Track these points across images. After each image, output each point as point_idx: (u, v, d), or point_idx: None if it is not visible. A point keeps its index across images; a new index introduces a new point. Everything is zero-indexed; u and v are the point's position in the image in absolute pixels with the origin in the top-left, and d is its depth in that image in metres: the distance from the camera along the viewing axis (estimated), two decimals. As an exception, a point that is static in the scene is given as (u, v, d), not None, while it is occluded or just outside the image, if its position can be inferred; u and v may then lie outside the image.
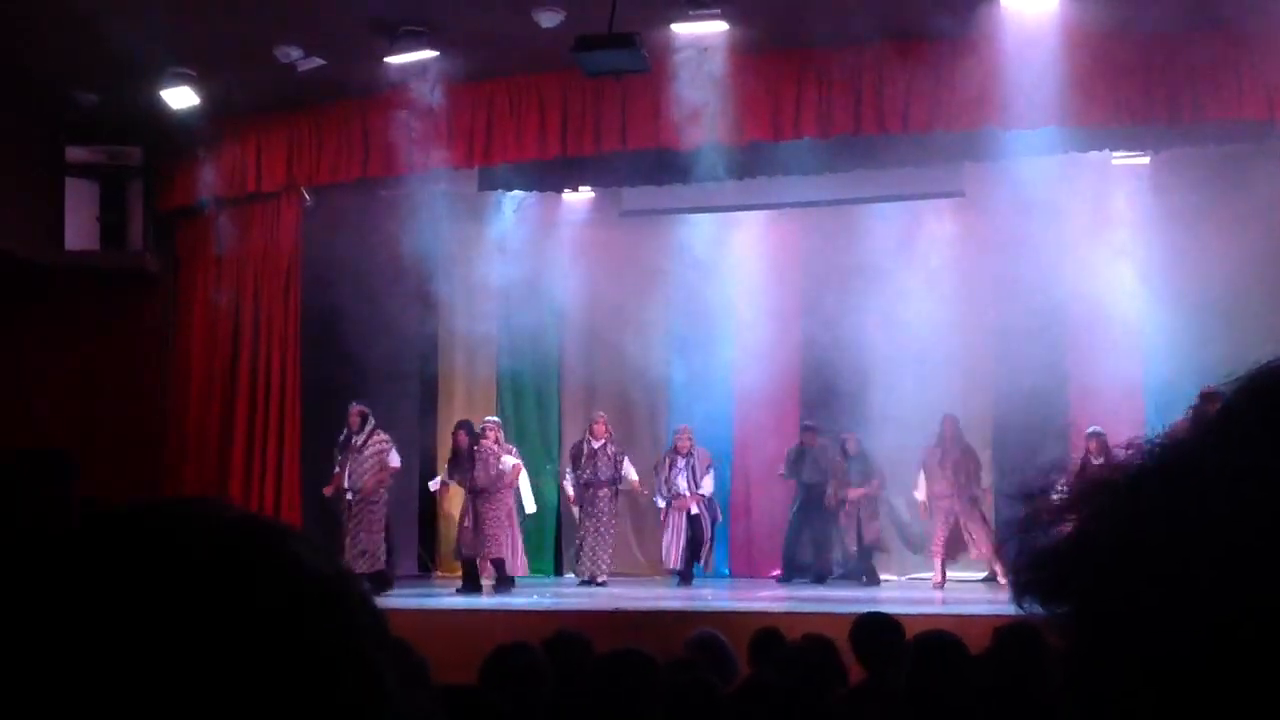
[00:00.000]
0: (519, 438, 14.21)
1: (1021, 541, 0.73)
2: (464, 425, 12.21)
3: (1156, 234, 12.45)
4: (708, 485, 12.88)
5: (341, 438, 11.73)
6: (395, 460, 11.75)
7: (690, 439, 12.91)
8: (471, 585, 11.63)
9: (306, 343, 12.01)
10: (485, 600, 11.16)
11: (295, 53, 10.43)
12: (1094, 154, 11.73)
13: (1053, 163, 11.62)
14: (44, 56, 10.57)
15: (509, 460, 11.98)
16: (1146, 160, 12.43)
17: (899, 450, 12.66)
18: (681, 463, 12.82)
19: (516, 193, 13.37)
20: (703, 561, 12.83)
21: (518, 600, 10.98)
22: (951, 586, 12.08)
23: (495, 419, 12.58)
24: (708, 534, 12.83)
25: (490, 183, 12.63)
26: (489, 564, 11.77)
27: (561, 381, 14.53)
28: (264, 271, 12.13)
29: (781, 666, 5.20)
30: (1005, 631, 4.47)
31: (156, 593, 0.69)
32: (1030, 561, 0.72)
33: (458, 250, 14.14)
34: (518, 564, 12.06)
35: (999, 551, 11.48)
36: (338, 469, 11.69)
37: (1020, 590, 0.72)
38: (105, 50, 9.96)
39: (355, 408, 11.77)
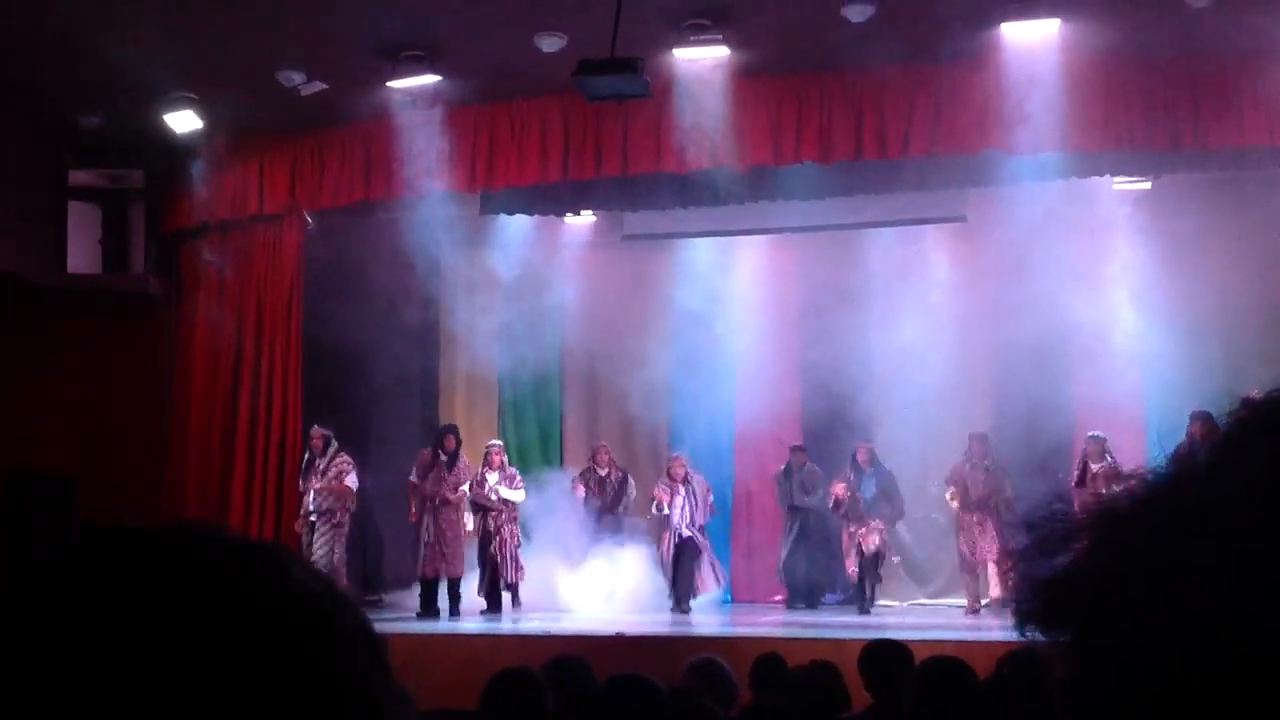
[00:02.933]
0: (521, 461, 14.20)
1: (1024, 569, 0.73)
2: (453, 429, 12.35)
3: (1158, 259, 12.46)
4: (703, 514, 12.56)
5: (304, 462, 11.57)
6: (353, 481, 11.56)
7: (685, 466, 12.57)
8: (432, 608, 11.57)
9: (307, 364, 12.02)
10: (485, 625, 11.12)
11: (298, 76, 10.48)
12: (1095, 179, 11.75)
13: (1054, 187, 11.65)
14: (47, 80, 10.62)
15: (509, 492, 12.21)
16: (1148, 185, 12.44)
17: (900, 473, 12.64)
18: (682, 490, 12.45)
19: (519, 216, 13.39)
20: (699, 583, 12.37)
21: (518, 625, 10.95)
22: (946, 612, 12.06)
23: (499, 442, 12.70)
24: (703, 556, 12.43)
25: (492, 206, 12.65)
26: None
27: (563, 404, 14.53)
28: (266, 294, 12.14)
29: (785, 692, 5.18)
30: (1009, 658, 4.46)
31: (153, 615, 0.69)
32: (1032, 589, 0.72)
33: (460, 273, 14.18)
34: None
35: (1003, 578, 11.51)
36: (301, 492, 11.54)
37: (1022, 617, 0.73)
38: (108, 74, 10.02)
39: (318, 431, 11.59)
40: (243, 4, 9.32)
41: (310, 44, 10.01)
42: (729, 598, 13.46)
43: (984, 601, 11.99)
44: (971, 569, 12.08)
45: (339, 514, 11.46)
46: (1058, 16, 9.48)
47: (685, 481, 12.50)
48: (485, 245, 13.93)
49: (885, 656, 5.32)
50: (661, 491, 12.49)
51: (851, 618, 11.50)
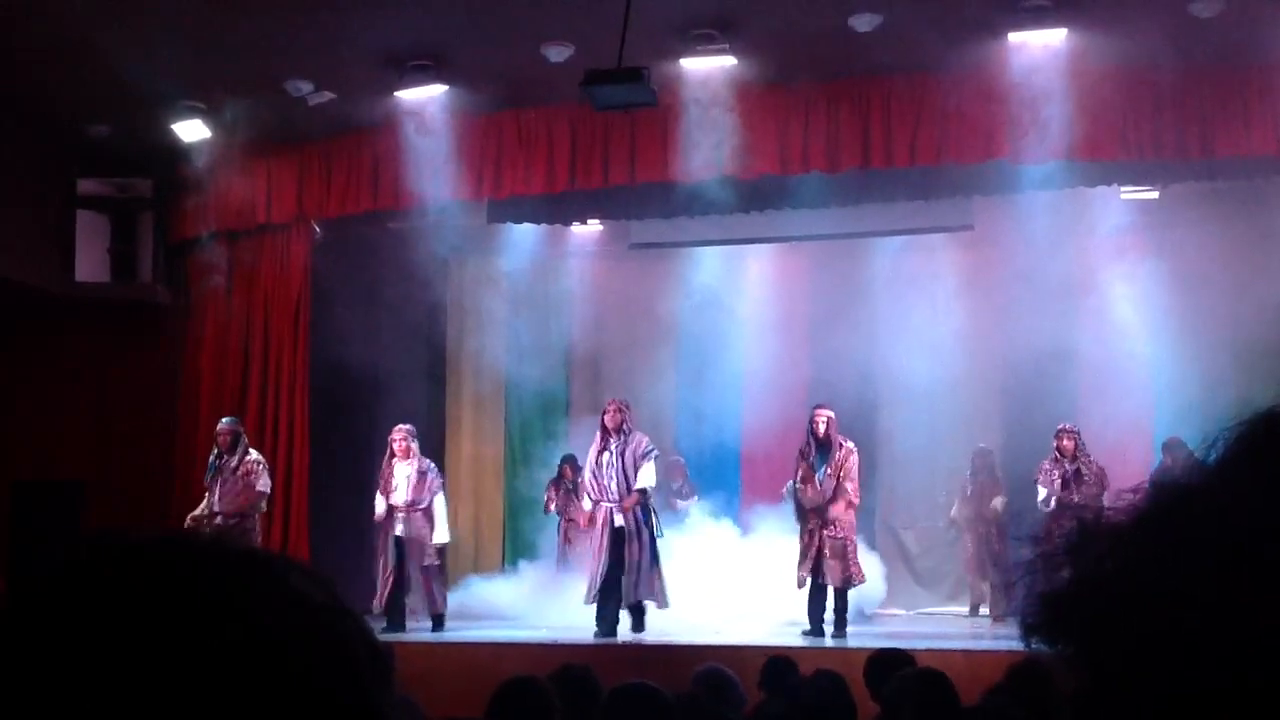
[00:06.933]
0: (528, 468, 14.19)
1: (1030, 582, 0.73)
2: (569, 459, 12.42)
3: (1166, 268, 12.44)
4: (646, 476, 10.18)
5: (213, 459, 10.73)
6: (265, 483, 10.68)
7: (621, 412, 10.30)
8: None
9: (315, 374, 12.03)
10: (491, 634, 11.09)
11: (306, 86, 10.51)
12: (1102, 188, 11.74)
13: (1061, 197, 11.64)
14: (56, 90, 10.65)
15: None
16: (1155, 195, 12.43)
17: (907, 483, 12.63)
18: (613, 446, 10.22)
19: None
20: (632, 591, 10.00)
21: (524, 633, 10.92)
22: (954, 621, 12.05)
23: (408, 426, 11.15)
24: (639, 556, 10.04)
25: (499, 215, 12.67)
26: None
27: (569, 412, 14.53)
28: (273, 303, 12.16)
29: (791, 701, 5.17)
30: (1018, 668, 4.45)
31: (149, 628, 0.70)
32: (1038, 601, 0.72)
33: (466, 281, 14.22)
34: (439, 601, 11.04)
35: (1009, 590, 11.50)
36: (207, 493, 10.68)
37: (1028, 629, 0.73)
38: (117, 83, 10.05)
39: (225, 426, 10.72)
40: (250, 14, 9.35)
41: (318, 54, 10.03)
42: None
43: (984, 611, 12.07)
44: (975, 579, 12.18)
45: (245, 520, 10.57)
46: (1065, 26, 9.48)
47: (619, 433, 10.22)
48: (492, 254, 13.96)
49: (890, 666, 5.31)
50: (592, 452, 10.33)
51: (859, 626, 11.39)
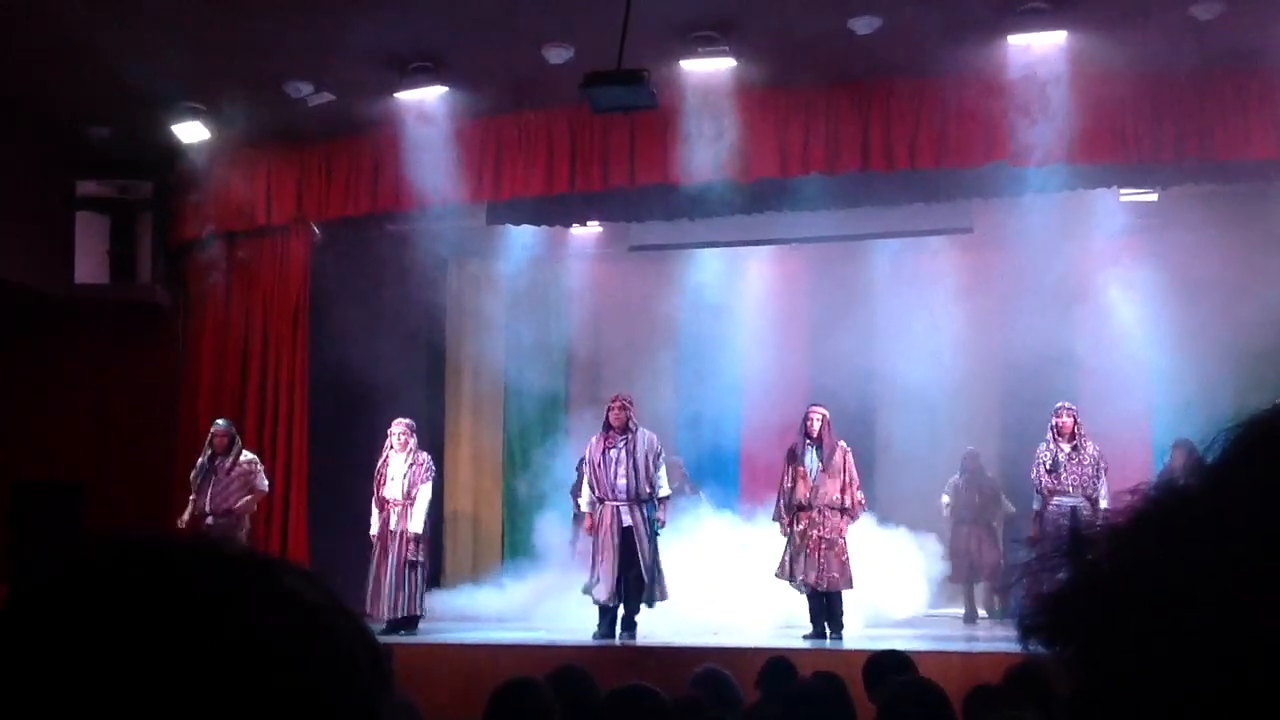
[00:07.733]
0: (526, 470, 14.19)
1: (1028, 583, 0.73)
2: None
3: (1165, 270, 12.45)
4: (665, 483, 10.12)
5: (204, 460, 10.60)
6: (264, 482, 10.70)
7: (626, 409, 10.07)
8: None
9: (315, 375, 12.03)
10: (490, 635, 11.08)
11: (306, 88, 10.51)
12: (1101, 190, 11.74)
13: (1060, 199, 11.65)
14: (56, 90, 10.66)
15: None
16: (1154, 197, 12.43)
17: (906, 485, 12.62)
18: (620, 443, 10.02)
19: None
20: (647, 594, 9.93)
21: (522, 635, 10.91)
22: (952, 623, 12.03)
23: (407, 420, 11.00)
24: (648, 554, 9.92)
25: (499, 217, 12.68)
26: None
27: (568, 415, 14.53)
28: (273, 304, 12.17)
29: (790, 703, 5.16)
30: (1016, 670, 4.44)
31: (153, 626, 0.70)
32: (1036, 603, 0.72)
33: (466, 284, 14.22)
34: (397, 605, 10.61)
35: (1004, 593, 11.51)
36: (194, 495, 10.53)
37: (1027, 631, 0.73)
38: (117, 84, 10.06)
39: (220, 428, 10.65)
40: (250, 14, 9.35)
41: (318, 55, 10.03)
42: None
43: (981, 614, 12.06)
44: (968, 581, 12.16)
45: (235, 518, 10.50)
46: (1065, 28, 9.48)
47: (625, 432, 10.02)
48: (491, 256, 13.96)
49: (888, 668, 5.31)
50: (595, 448, 10.06)
51: (858, 629, 11.38)
